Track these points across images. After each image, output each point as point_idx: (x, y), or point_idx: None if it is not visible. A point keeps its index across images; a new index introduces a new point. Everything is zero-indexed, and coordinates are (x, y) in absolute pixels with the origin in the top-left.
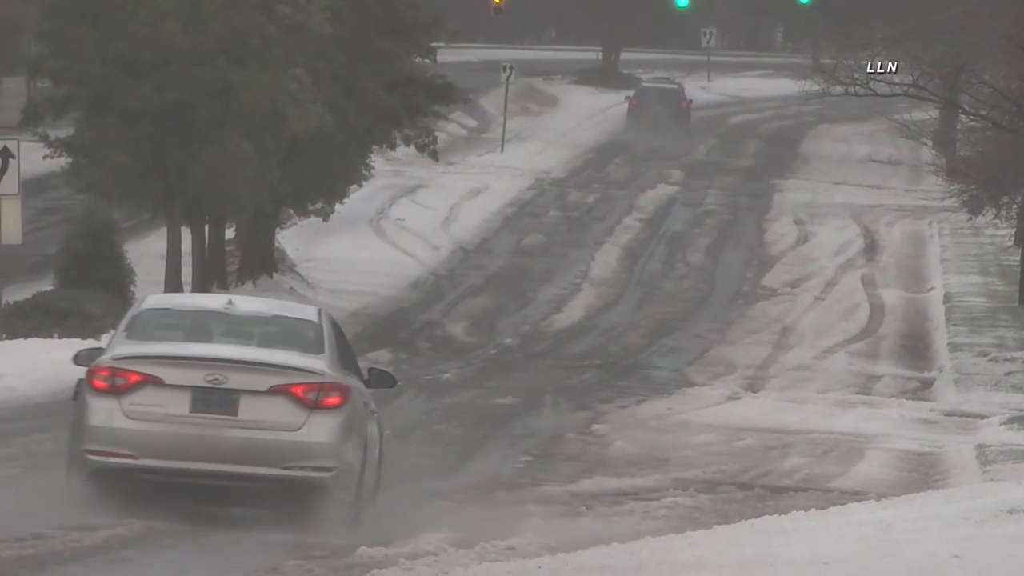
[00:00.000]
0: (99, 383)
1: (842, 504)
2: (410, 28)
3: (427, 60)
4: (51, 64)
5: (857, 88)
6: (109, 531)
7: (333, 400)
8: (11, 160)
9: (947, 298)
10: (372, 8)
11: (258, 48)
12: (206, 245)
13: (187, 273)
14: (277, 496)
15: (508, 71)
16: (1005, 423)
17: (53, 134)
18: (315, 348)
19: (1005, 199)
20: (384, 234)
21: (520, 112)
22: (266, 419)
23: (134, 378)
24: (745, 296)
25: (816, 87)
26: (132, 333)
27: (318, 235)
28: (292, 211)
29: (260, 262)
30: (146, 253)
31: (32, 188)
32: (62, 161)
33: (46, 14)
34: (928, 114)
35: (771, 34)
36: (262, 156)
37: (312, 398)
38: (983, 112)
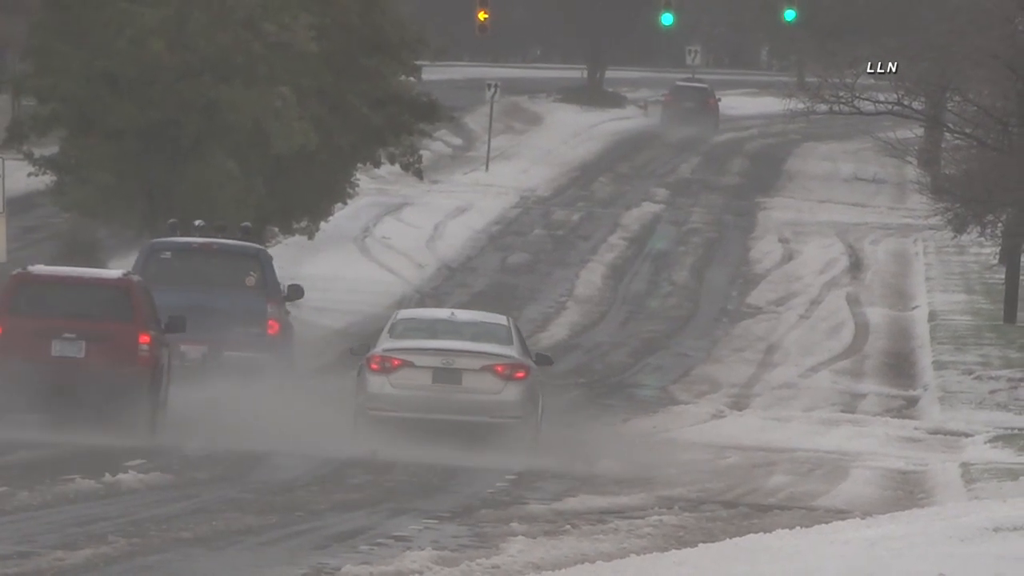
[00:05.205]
0: (375, 366)
1: (827, 522)
2: (395, 46)
3: (412, 78)
4: (36, 82)
5: (842, 106)
6: (93, 550)
7: (520, 374)
8: None
9: (932, 316)
10: (357, 26)
11: (243, 66)
12: None
13: None
14: (487, 434)
15: (493, 89)
16: (990, 441)
17: (38, 152)
18: (507, 341)
19: (990, 217)
20: (369, 252)
21: (505, 130)
22: (479, 387)
23: (396, 362)
24: (730, 314)
25: (801, 105)
26: (392, 334)
27: (303, 253)
28: (277, 229)
29: None
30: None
31: (17, 207)
32: (47, 179)
33: (32, 32)
34: (913, 132)
35: (756, 52)
36: (247, 174)
37: (507, 373)
38: (968, 130)
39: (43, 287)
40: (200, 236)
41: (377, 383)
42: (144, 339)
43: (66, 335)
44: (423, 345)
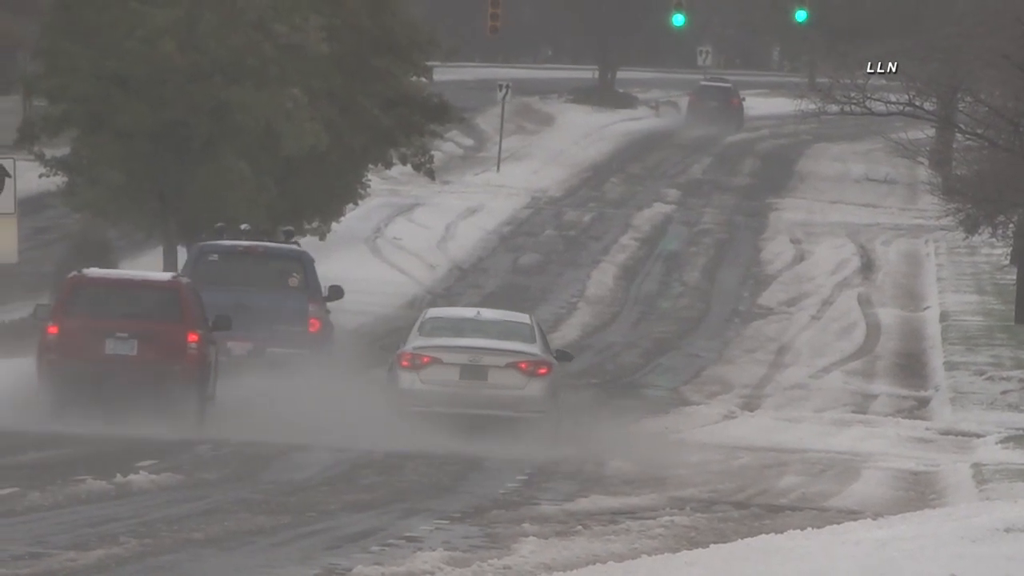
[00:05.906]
0: (405, 363)
1: (838, 523)
2: (406, 47)
3: (423, 79)
4: (47, 83)
5: (853, 107)
6: (104, 550)
7: (543, 371)
8: (7, 179)
9: (943, 317)
10: (368, 27)
11: (254, 67)
12: None
13: None
14: (510, 428)
15: (504, 90)
16: (1001, 442)
17: (49, 153)
18: (530, 339)
19: (1001, 218)
20: (380, 253)
21: (516, 131)
22: (504, 383)
23: (426, 359)
24: (741, 315)
25: (812, 106)
26: (422, 332)
27: (314, 254)
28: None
29: None
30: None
31: (28, 207)
32: (58, 180)
33: (42, 32)
34: (924, 133)
35: (767, 53)
36: (258, 175)
37: (530, 370)
38: (979, 131)
39: (97, 289)
40: (246, 240)
41: (407, 379)
42: (192, 338)
43: (119, 334)
44: (451, 343)
